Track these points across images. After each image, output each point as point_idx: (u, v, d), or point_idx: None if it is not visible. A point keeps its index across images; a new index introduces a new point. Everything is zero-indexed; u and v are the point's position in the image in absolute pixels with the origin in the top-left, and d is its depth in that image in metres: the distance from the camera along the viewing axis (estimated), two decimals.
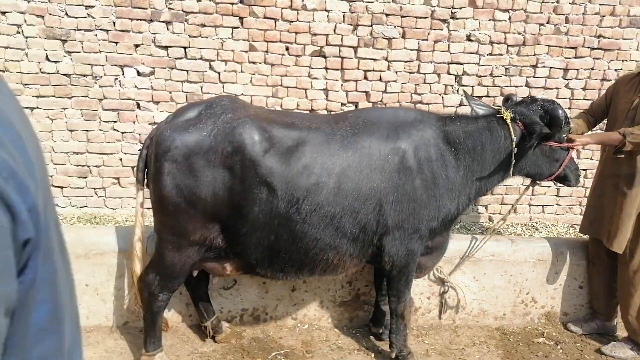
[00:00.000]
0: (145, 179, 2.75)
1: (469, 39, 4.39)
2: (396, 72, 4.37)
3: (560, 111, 2.79)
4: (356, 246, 2.76)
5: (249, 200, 2.55)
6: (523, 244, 3.61)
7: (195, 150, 2.51)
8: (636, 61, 4.57)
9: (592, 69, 4.58)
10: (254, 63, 4.22)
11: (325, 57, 4.27)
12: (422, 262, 3.01)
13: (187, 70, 4.13)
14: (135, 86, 4.10)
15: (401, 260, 2.83)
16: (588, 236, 3.64)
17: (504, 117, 2.82)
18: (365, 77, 4.37)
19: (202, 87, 4.20)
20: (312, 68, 4.29)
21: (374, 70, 4.35)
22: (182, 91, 4.18)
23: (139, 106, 4.14)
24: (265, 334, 3.35)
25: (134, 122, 4.17)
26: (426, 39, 4.33)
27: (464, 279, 3.53)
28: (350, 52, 4.28)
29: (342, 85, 4.36)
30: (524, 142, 2.82)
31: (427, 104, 4.46)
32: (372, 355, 3.19)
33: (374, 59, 4.33)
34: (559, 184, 4.04)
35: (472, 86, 4.48)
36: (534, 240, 3.69)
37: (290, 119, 2.74)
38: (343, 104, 4.39)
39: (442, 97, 4.48)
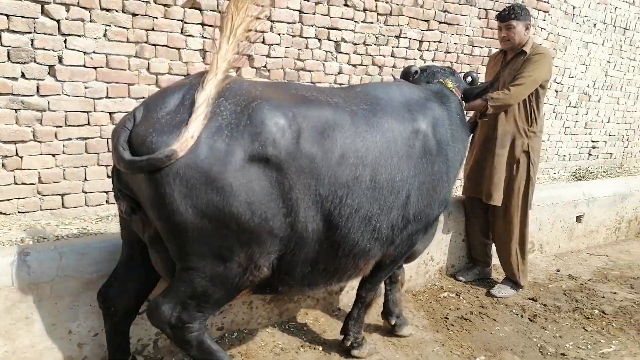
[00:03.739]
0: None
1: (346, 4, 4.26)
2: (279, 34, 3.95)
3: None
4: (382, 247, 2.41)
5: (293, 204, 1.96)
6: None
7: (208, 156, 1.78)
8: (469, 36, 5.22)
9: (439, 41, 5.03)
10: (108, 10, 3.19)
11: (201, 10, 3.54)
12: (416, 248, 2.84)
13: (7, 15, 2.85)
14: None
15: (402, 253, 2.61)
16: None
17: (450, 87, 2.84)
18: (247, 39, 3.80)
19: (32, 41, 2.98)
20: (185, 23, 3.50)
21: (256, 30, 3.82)
22: (2, 45, 2.88)
23: None
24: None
25: None
26: (308, 0, 4.02)
27: None
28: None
29: None
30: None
31: (310, 70, 4.20)
32: (321, 348, 2.91)
33: (256, 18, 3.79)
34: None
35: (349, 54, 4.41)
36: None
37: (297, 92, 2.15)
38: None
39: (324, 64, 4.27)
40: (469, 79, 3.10)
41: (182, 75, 3.54)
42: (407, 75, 2.98)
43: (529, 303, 3.75)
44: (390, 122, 2.32)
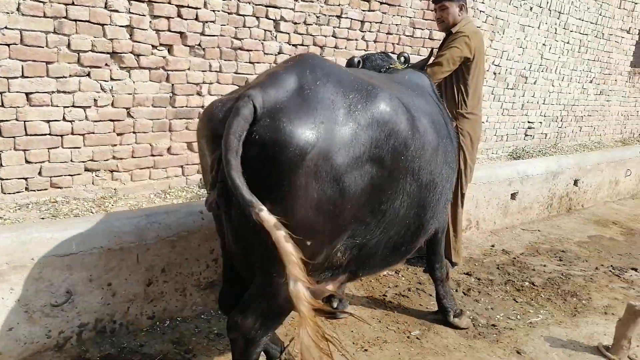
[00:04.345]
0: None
1: None
2: (214, 11, 3.80)
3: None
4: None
5: (392, 194, 1.91)
6: None
7: (337, 144, 1.63)
8: (410, 17, 5.25)
9: (381, 22, 5.03)
10: None
11: None
12: None
13: None
14: None
15: (445, 222, 3.04)
16: None
17: (399, 69, 2.91)
18: (180, 15, 3.64)
19: None
20: None
21: (189, 6, 3.67)
22: None
23: None
24: (118, 348, 2.59)
25: None
26: None
27: None
28: None
29: (151, 22, 3.52)
30: None
31: (249, 50, 4.09)
32: None
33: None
34: None
35: (289, 33, 4.32)
36: None
37: (374, 77, 2.14)
38: (154, 47, 3.59)
39: (262, 43, 4.17)
40: (402, 59, 3.11)
41: (107, 53, 3.35)
42: (351, 65, 2.97)
43: (464, 277, 3.88)
44: (432, 107, 2.37)
